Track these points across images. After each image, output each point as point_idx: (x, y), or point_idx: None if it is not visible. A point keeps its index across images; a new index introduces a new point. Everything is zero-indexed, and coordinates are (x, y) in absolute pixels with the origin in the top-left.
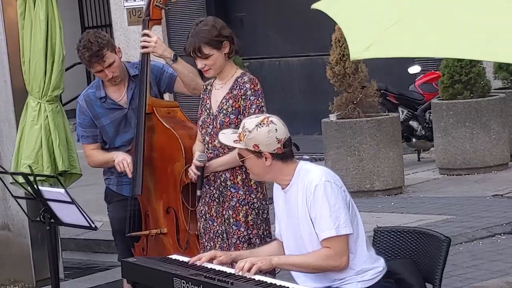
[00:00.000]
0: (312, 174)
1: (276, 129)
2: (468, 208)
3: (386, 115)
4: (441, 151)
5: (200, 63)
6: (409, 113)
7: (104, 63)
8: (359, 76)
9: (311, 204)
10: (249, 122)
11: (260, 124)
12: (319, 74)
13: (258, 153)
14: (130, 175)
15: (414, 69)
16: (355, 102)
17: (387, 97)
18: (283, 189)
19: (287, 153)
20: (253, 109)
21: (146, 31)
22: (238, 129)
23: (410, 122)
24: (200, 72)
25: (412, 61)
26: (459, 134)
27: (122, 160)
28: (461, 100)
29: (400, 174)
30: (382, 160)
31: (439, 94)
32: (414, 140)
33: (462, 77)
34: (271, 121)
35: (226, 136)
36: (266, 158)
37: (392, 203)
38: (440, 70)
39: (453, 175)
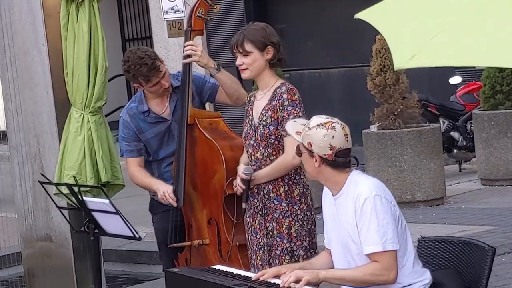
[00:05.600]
0: (362, 186)
1: (333, 136)
2: (510, 219)
3: (427, 126)
4: (483, 161)
5: (239, 60)
6: (450, 124)
7: (161, 73)
8: (400, 87)
9: (359, 216)
10: (315, 120)
11: (321, 126)
12: (359, 85)
13: (310, 152)
14: (175, 204)
15: (455, 80)
16: (396, 113)
17: (428, 108)
18: (333, 195)
19: (339, 163)
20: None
21: (190, 42)
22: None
23: (451, 133)
24: (240, 77)
25: (453, 71)
26: (501, 145)
27: (164, 192)
28: (502, 111)
29: (441, 185)
30: (423, 171)
31: (481, 105)
32: (455, 151)
33: (504, 88)
34: (333, 126)
35: (294, 125)
36: (316, 159)
37: (434, 214)
38: (482, 80)
39: (495, 185)
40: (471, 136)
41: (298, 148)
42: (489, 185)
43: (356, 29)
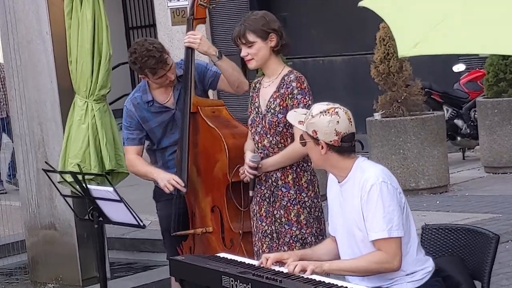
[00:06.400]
0: (369, 172)
1: (338, 121)
2: None
3: (431, 113)
4: (486, 149)
5: (243, 51)
6: (454, 111)
7: (167, 66)
8: (403, 74)
9: (365, 203)
10: (317, 107)
11: (325, 112)
12: (363, 73)
13: (316, 140)
14: (184, 190)
15: (458, 68)
16: (399, 101)
17: (431, 96)
18: (339, 182)
19: (345, 148)
20: (301, 108)
21: (190, 32)
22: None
23: (455, 121)
24: (244, 67)
25: (456, 59)
26: (505, 132)
27: (169, 181)
28: (506, 98)
29: (445, 172)
30: (427, 159)
31: (484, 92)
32: (458, 138)
33: (507, 75)
34: (337, 112)
35: (296, 115)
36: (322, 146)
37: (437, 202)
38: (485, 68)
39: (498, 173)
40: (475, 124)
41: (302, 138)
42: (493, 173)
43: (360, 16)
